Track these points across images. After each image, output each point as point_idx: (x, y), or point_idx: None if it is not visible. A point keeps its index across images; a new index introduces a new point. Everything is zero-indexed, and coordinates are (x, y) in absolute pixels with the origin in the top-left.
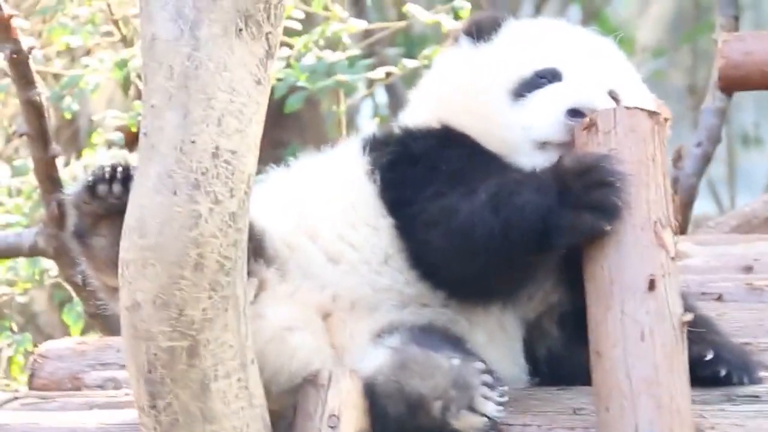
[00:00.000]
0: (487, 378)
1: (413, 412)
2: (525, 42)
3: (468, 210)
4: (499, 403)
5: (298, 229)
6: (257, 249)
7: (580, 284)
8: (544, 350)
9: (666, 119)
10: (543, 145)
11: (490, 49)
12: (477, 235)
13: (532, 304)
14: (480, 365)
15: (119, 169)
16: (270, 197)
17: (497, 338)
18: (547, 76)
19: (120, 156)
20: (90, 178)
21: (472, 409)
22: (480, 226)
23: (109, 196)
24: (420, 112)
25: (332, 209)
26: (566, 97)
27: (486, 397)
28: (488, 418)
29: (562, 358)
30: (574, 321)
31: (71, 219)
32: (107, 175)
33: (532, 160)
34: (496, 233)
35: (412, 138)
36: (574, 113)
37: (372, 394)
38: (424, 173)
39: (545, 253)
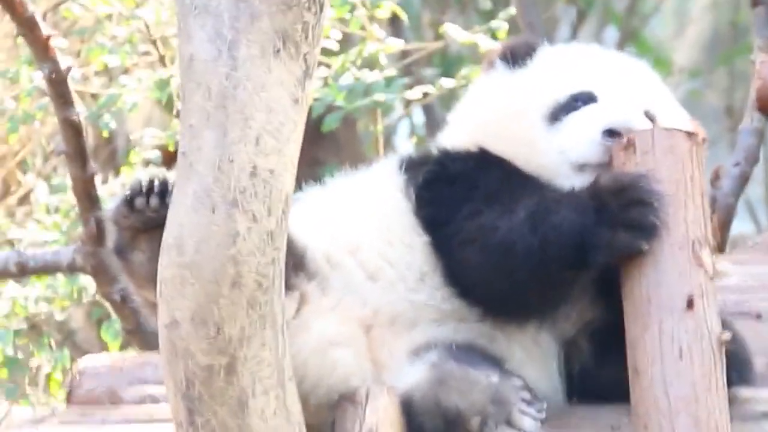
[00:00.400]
0: (525, 394)
1: (451, 428)
2: (559, 67)
3: (506, 228)
4: (537, 419)
5: (338, 245)
6: (298, 264)
7: (613, 300)
8: (577, 366)
9: (703, 139)
10: (581, 168)
11: (525, 74)
12: (515, 251)
13: (569, 322)
14: (519, 382)
15: (156, 182)
16: (310, 214)
17: (534, 355)
18: (582, 99)
19: (157, 172)
20: (127, 192)
21: (510, 424)
22: (518, 243)
23: (146, 210)
24: (457, 135)
25: (369, 226)
26: (602, 118)
27: (524, 413)
28: None
29: (593, 373)
30: (606, 336)
31: (111, 235)
32: (144, 189)
33: (571, 183)
34: (534, 250)
35: (449, 158)
36: (611, 133)
37: (409, 409)
38: (461, 193)
39: (582, 270)
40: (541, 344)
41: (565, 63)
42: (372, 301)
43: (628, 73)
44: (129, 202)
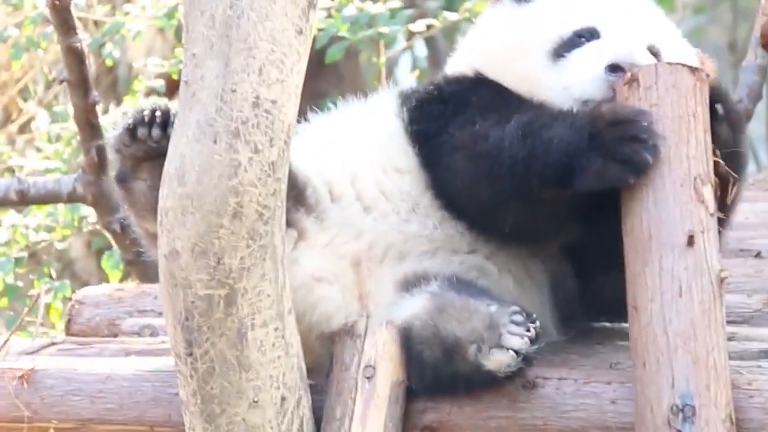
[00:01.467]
0: (517, 317)
1: (449, 356)
2: (564, 2)
3: (497, 136)
4: (525, 337)
5: (339, 174)
6: (299, 197)
7: (597, 222)
8: (562, 293)
9: (707, 75)
10: (585, 104)
11: (531, 9)
12: (501, 159)
13: (554, 244)
14: (514, 308)
15: (158, 113)
16: (312, 144)
17: (525, 285)
18: (586, 35)
19: (160, 102)
20: (129, 122)
21: (500, 346)
22: (505, 152)
23: (148, 140)
24: (459, 66)
25: (367, 153)
26: (605, 54)
27: (512, 333)
28: (516, 353)
29: (579, 295)
30: (589, 257)
31: (113, 163)
32: (146, 119)
33: None
34: (519, 159)
35: (445, 81)
36: (614, 68)
37: (408, 339)
38: (454, 108)
39: (563, 191)
40: (532, 275)
41: None
42: (366, 234)
43: (631, 8)
44: (131, 131)
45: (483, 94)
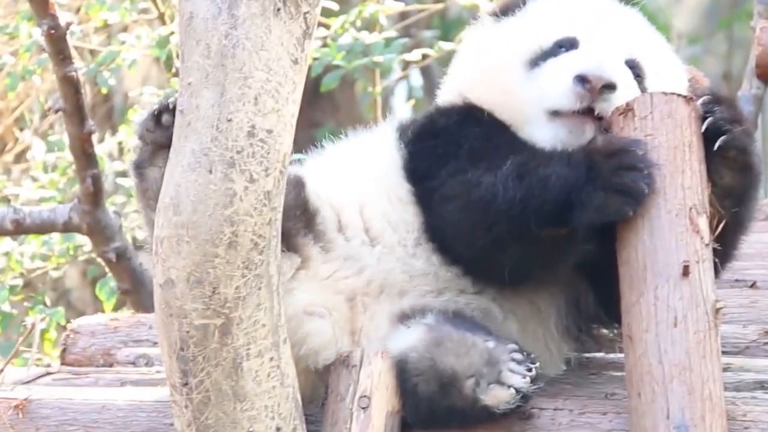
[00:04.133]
0: (517, 355)
1: (445, 390)
2: (546, 14)
3: (490, 182)
4: (528, 377)
5: (349, 204)
6: (309, 223)
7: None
8: (583, 311)
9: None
10: (554, 115)
11: (511, 23)
12: (496, 204)
13: (560, 287)
14: (513, 346)
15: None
16: (324, 173)
17: (530, 327)
18: (566, 45)
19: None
20: (156, 108)
21: (500, 383)
22: (500, 195)
23: (172, 126)
24: (447, 91)
25: (372, 183)
26: (575, 64)
27: (513, 371)
28: (516, 391)
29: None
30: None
31: (135, 151)
32: (171, 106)
33: (545, 131)
34: (516, 200)
35: (437, 113)
36: (582, 80)
37: (403, 372)
38: (445, 147)
39: (562, 228)
40: (540, 310)
41: (552, 10)
42: (369, 269)
43: (616, 20)
44: (156, 117)
45: (472, 132)
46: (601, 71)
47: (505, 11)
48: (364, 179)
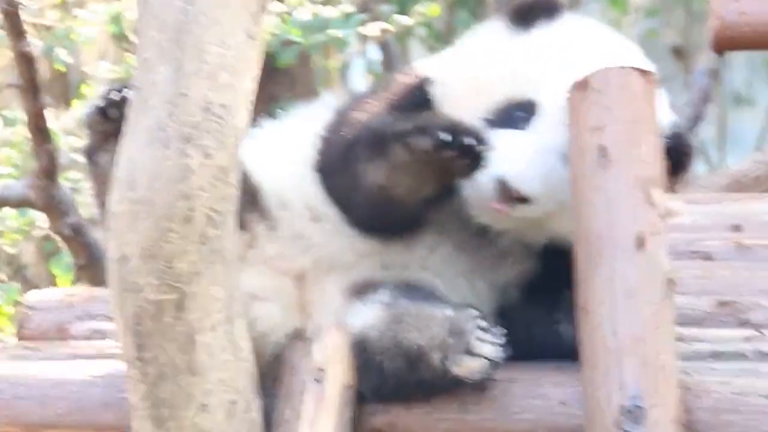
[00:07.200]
0: (482, 322)
1: (413, 365)
2: (546, 47)
3: (345, 142)
4: (497, 344)
5: (288, 182)
6: (252, 201)
7: (550, 256)
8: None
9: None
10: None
11: (513, 46)
12: (334, 155)
13: (500, 270)
14: (473, 311)
15: (130, 93)
16: (262, 149)
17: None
18: (522, 110)
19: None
20: (101, 103)
21: (470, 353)
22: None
23: (119, 120)
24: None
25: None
26: (501, 164)
27: (482, 340)
28: (488, 359)
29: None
30: (537, 289)
31: (85, 137)
32: (118, 99)
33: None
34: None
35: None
36: (501, 182)
37: (365, 350)
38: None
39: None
40: (479, 294)
41: (554, 43)
42: (315, 247)
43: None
44: (102, 112)
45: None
46: (520, 184)
47: (520, 18)
48: (303, 155)
